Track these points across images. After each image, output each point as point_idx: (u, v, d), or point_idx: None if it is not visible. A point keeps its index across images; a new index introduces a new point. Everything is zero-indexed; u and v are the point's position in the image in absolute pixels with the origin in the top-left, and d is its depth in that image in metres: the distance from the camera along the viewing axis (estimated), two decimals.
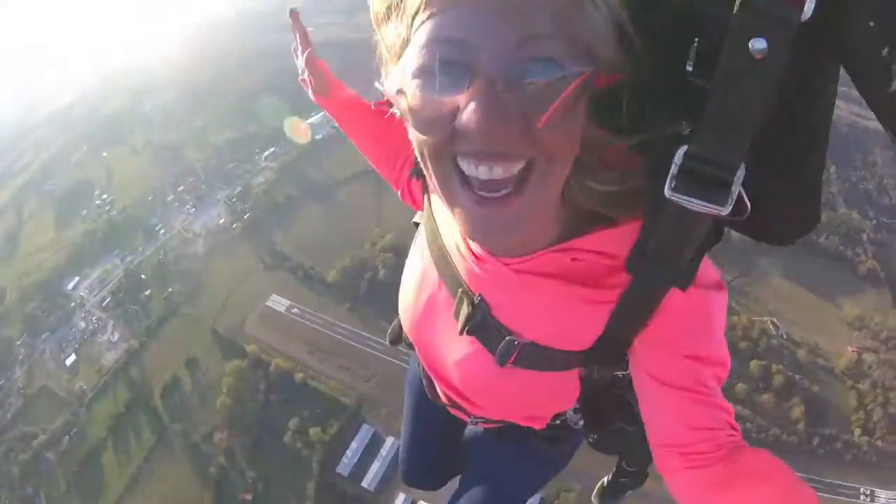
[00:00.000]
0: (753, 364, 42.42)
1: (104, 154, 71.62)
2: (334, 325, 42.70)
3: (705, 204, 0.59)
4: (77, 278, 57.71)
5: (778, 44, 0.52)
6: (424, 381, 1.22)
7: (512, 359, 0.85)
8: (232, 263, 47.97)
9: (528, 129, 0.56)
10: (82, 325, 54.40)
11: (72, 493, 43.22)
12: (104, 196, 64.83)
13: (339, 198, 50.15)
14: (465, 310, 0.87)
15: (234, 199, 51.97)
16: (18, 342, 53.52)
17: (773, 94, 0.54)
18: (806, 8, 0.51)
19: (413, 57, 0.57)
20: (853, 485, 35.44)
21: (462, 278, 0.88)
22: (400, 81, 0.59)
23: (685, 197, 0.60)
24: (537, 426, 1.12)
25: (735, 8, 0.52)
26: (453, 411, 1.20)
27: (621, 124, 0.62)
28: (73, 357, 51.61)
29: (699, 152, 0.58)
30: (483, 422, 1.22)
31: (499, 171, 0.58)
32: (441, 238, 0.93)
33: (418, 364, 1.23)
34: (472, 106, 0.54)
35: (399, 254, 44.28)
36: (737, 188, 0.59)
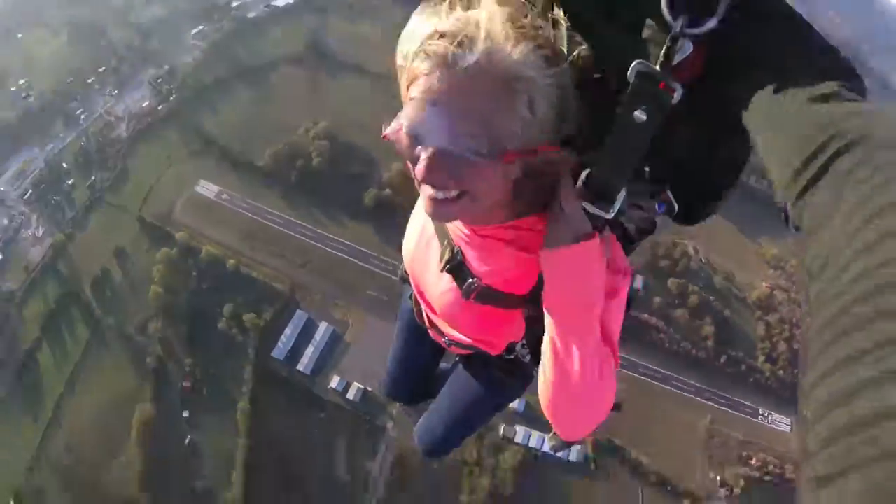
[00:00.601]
0: (671, 282, 45.06)
1: (19, 36, 63.54)
2: (266, 211, 41.25)
3: (595, 209, 0.95)
4: None
5: (653, 115, 0.81)
6: (414, 308, 1.59)
7: (473, 295, 1.20)
8: (157, 148, 44.76)
9: (454, 182, 0.91)
10: (5, 221, 50.75)
11: (12, 398, 42.19)
12: (21, 82, 58.30)
13: (272, 81, 46.76)
14: (446, 255, 1.23)
15: (159, 81, 47.56)
16: None
17: (647, 146, 0.85)
18: (675, 95, 0.79)
19: (403, 116, 0.91)
20: (753, 405, 38.69)
21: (448, 234, 1.23)
22: (397, 126, 0.91)
23: (584, 202, 0.95)
24: (493, 351, 1.39)
25: (628, 87, 0.82)
26: (432, 332, 1.54)
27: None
28: None
29: (595, 176, 0.93)
30: (455, 345, 1.51)
31: (440, 194, 0.94)
32: None
33: (410, 296, 1.63)
34: (421, 161, 0.90)
35: (334, 140, 42.49)
36: (618, 203, 0.94)
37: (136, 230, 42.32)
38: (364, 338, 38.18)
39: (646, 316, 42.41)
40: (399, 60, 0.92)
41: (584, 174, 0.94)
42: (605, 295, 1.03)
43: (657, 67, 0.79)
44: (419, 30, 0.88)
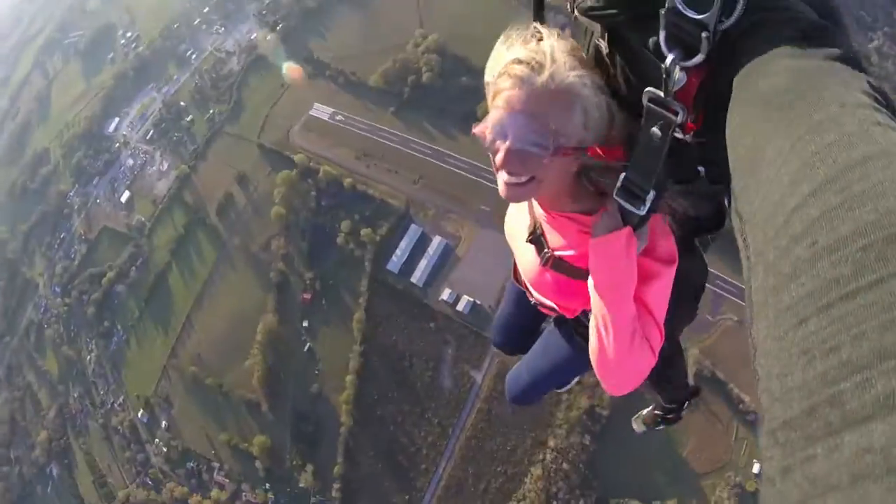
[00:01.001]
0: None
1: None
2: (379, 129, 42.67)
3: (629, 206, 1.16)
4: (117, 119, 58.08)
5: (664, 132, 1.01)
6: (513, 270, 1.87)
7: (549, 264, 1.48)
8: (270, 77, 47.23)
9: (524, 170, 1.18)
10: (130, 162, 55.99)
11: (144, 317, 47.32)
12: (128, 34, 62.77)
13: None
14: (530, 229, 1.54)
15: (263, 12, 49.46)
16: (72, 193, 55.81)
17: (664, 154, 1.04)
18: (678, 117, 0.97)
19: (488, 120, 1.20)
20: None
21: (535, 213, 1.52)
22: (483, 126, 1.21)
23: (621, 200, 1.17)
24: (569, 315, 1.65)
25: (644, 106, 1.02)
26: (527, 294, 1.79)
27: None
28: (126, 194, 53.52)
29: (628, 178, 1.14)
30: (541, 306, 1.75)
31: (513, 179, 1.21)
32: None
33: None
34: (500, 154, 1.18)
35: (444, 54, 42.31)
36: (648, 202, 1.14)
37: (255, 156, 45.62)
38: (475, 251, 39.14)
39: None
40: (487, 79, 1.23)
41: (621, 178, 1.16)
42: (641, 278, 1.27)
43: (662, 93, 0.98)
44: (502, 56, 1.20)
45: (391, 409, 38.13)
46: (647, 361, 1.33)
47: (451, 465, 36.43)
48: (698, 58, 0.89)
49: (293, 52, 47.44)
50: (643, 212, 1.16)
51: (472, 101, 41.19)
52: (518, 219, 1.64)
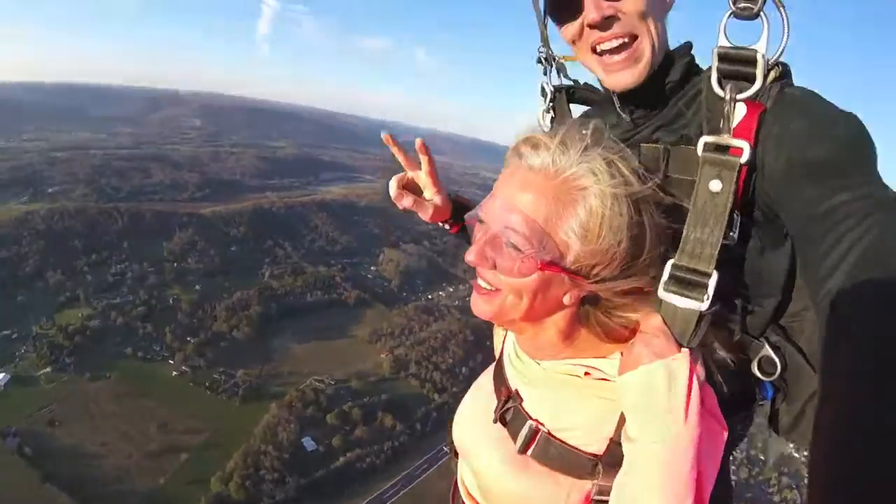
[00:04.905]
0: (329, 417, 57.43)
1: None
2: None
3: (687, 300, 0.90)
4: None
5: (728, 181, 0.90)
6: (452, 493, 1.32)
7: (530, 446, 1.01)
8: None
9: (494, 268, 0.96)
10: None
11: None
12: None
13: None
14: (500, 405, 1.11)
15: None
16: None
17: (728, 212, 0.90)
18: (743, 154, 0.90)
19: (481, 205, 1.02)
20: None
21: (507, 379, 1.16)
22: (473, 212, 1.04)
23: (673, 295, 0.91)
24: None
25: (700, 161, 0.94)
26: None
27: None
28: None
29: (680, 263, 0.92)
30: None
31: (484, 283, 1.00)
32: (503, 351, 1.26)
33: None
34: (474, 245, 0.98)
35: None
36: (711, 289, 0.89)
37: None
38: None
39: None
40: None
41: (668, 266, 0.92)
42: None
43: (719, 136, 0.92)
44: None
45: None
46: None
47: None
48: (757, 84, 0.91)
49: None
50: (705, 304, 0.88)
51: None
52: (475, 407, 1.23)
